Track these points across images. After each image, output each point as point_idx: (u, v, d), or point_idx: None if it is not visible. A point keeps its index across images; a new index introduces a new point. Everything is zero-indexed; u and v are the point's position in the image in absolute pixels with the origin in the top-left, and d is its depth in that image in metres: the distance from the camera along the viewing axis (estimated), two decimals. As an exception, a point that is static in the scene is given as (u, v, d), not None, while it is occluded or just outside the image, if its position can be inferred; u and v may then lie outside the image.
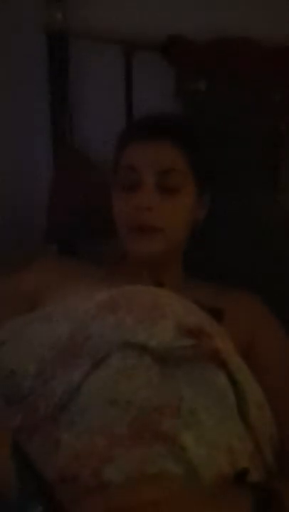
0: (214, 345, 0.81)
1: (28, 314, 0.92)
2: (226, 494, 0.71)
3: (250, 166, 1.24)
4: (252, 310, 1.02)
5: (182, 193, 1.04)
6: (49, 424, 0.74)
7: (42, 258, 1.13)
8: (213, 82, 1.28)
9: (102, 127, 1.35)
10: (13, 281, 1.05)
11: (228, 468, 0.73)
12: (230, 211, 1.19)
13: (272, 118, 1.27)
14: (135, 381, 0.76)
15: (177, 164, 1.03)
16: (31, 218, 1.40)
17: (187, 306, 0.88)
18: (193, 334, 0.81)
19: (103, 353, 0.78)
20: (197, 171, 1.06)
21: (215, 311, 0.91)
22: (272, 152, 1.28)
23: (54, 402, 0.75)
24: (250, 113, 1.26)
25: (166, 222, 1.01)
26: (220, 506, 0.69)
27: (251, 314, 1.01)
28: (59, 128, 1.35)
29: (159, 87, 1.30)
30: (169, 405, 0.74)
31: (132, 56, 1.31)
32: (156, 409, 0.73)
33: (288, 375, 0.93)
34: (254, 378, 0.85)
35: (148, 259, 1.03)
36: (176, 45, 1.28)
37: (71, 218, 1.29)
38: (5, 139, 1.41)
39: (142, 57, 1.31)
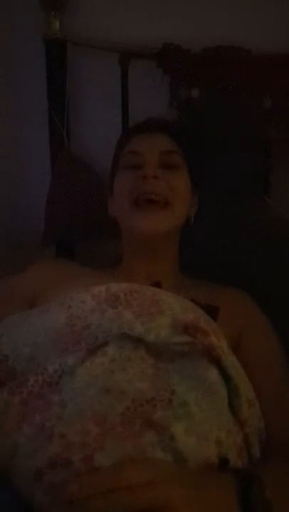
0: (209, 342, 0.82)
1: (25, 312, 0.93)
2: (212, 479, 0.73)
3: (241, 171, 1.26)
4: (242, 307, 1.04)
5: (182, 171, 1.11)
6: (40, 405, 0.74)
7: (40, 260, 1.15)
8: (206, 89, 1.31)
9: (99, 133, 1.37)
10: (12, 283, 1.07)
11: (215, 459, 0.75)
12: (222, 216, 1.22)
13: (263, 125, 1.30)
14: (130, 372, 0.77)
15: (175, 149, 1.12)
16: (29, 222, 1.42)
17: (184, 303, 0.89)
18: (189, 331, 0.82)
19: (100, 341, 0.79)
20: (189, 164, 1.13)
21: (210, 308, 0.93)
22: (262, 158, 1.30)
23: (43, 378, 0.76)
24: (242, 120, 1.29)
25: (171, 192, 1.07)
26: (208, 486, 0.71)
27: (241, 312, 1.03)
28: (56, 133, 1.36)
29: (154, 94, 1.32)
30: (161, 398, 0.75)
31: (128, 64, 1.34)
32: (149, 401, 0.75)
33: (276, 372, 0.95)
34: (245, 375, 0.86)
35: (150, 240, 1.06)
36: (171, 54, 1.31)
37: (68, 222, 1.31)
38: (3, 144, 1.43)
39: (137, 65, 1.34)
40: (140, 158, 1.09)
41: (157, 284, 1.00)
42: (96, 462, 0.69)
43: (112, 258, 1.17)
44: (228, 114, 1.29)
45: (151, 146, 1.10)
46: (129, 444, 0.71)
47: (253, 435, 0.82)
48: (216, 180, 1.22)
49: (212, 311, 0.93)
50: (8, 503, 0.69)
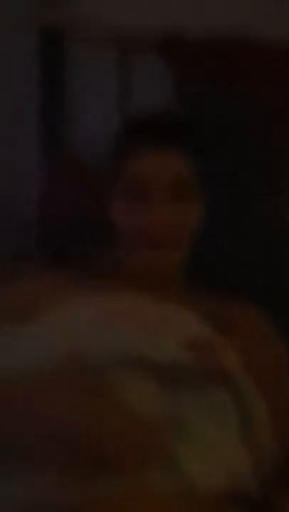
0: (217, 360, 0.81)
1: (20, 327, 0.90)
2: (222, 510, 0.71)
3: (250, 171, 1.23)
4: (252, 321, 1.00)
5: (193, 200, 1.03)
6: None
7: (31, 269, 1.11)
8: (213, 84, 1.27)
9: (98, 132, 1.33)
10: (2, 293, 1.03)
11: (225, 484, 0.73)
12: (230, 220, 1.18)
13: (272, 122, 1.26)
14: (136, 393, 0.76)
15: (187, 173, 1.01)
16: (21, 227, 1.38)
17: (190, 319, 0.88)
18: (195, 348, 0.81)
19: (104, 365, 0.77)
20: (199, 176, 1.05)
21: (218, 323, 0.91)
22: (272, 157, 1.27)
23: None
24: (251, 117, 1.25)
25: (179, 232, 1.00)
26: None
27: (251, 326, 0.99)
28: (52, 133, 1.35)
29: (157, 88, 1.31)
30: (165, 423, 0.74)
31: (128, 58, 1.30)
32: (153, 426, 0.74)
33: (287, 390, 0.93)
34: (256, 393, 0.84)
35: (157, 271, 1.01)
36: (175, 46, 1.28)
37: (62, 227, 1.28)
38: None
39: (139, 59, 1.30)
40: (146, 187, 0.99)
41: (161, 297, 0.96)
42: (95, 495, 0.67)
43: (109, 267, 1.12)
44: (235, 111, 1.25)
45: (160, 174, 0.99)
46: (132, 454, 0.71)
47: (264, 456, 0.81)
48: (226, 182, 1.17)
49: (220, 325, 0.91)
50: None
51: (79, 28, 1.31)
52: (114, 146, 1.07)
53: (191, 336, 0.83)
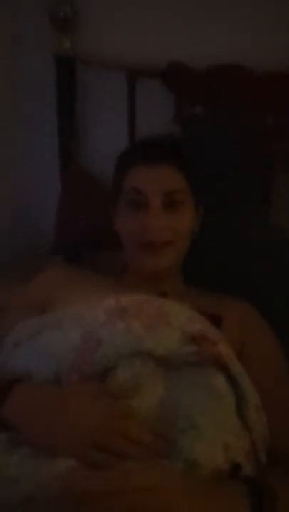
0: (217, 350, 0.84)
1: (38, 318, 0.96)
2: (222, 485, 0.75)
3: (244, 186, 1.28)
4: (244, 317, 1.05)
5: (185, 208, 1.09)
6: None
7: (50, 266, 1.16)
8: (210, 106, 1.33)
9: (107, 148, 1.37)
10: (23, 289, 1.09)
11: (224, 464, 0.77)
12: (225, 229, 1.23)
13: (266, 141, 1.32)
14: (142, 390, 0.80)
15: (179, 184, 1.08)
16: (38, 234, 1.45)
17: (190, 314, 0.91)
18: (196, 341, 0.84)
19: (113, 362, 0.82)
20: (193, 187, 1.11)
21: (214, 317, 0.95)
22: (266, 173, 1.32)
23: None
24: (245, 136, 1.30)
25: (174, 235, 1.06)
26: (216, 495, 0.73)
27: (243, 321, 1.03)
28: (66, 148, 1.40)
29: (160, 111, 1.35)
30: (167, 416, 0.78)
31: (134, 82, 1.37)
32: (157, 419, 0.78)
33: (278, 381, 0.96)
34: (250, 382, 0.88)
35: (156, 272, 1.07)
36: (176, 72, 1.34)
37: (77, 234, 1.33)
38: (14, 159, 1.47)
39: (144, 83, 1.36)
40: (143, 198, 1.05)
41: (163, 294, 1.02)
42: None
43: (117, 270, 1.19)
44: (231, 131, 1.31)
45: (155, 185, 1.05)
46: (141, 453, 0.75)
47: (260, 441, 0.84)
48: (219, 194, 1.23)
49: (215, 321, 0.95)
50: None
51: (92, 55, 1.38)
52: (117, 163, 1.15)
53: (191, 329, 0.85)
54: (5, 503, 0.71)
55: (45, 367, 0.84)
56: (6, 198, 1.50)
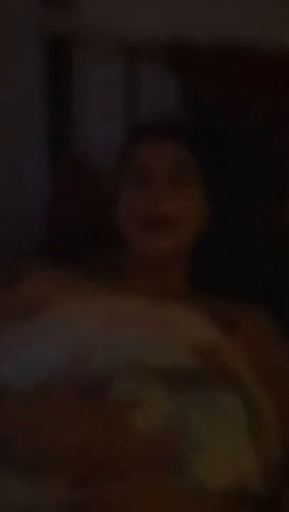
0: (225, 364, 0.81)
1: (27, 326, 0.91)
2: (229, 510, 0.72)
3: (257, 176, 1.25)
4: (256, 322, 1.02)
5: (192, 187, 1.08)
6: None
7: (39, 268, 1.12)
8: (219, 91, 1.31)
9: (103, 136, 1.36)
10: (11, 291, 1.04)
11: (234, 483, 0.74)
12: (236, 223, 1.20)
13: (278, 128, 1.28)
14: (144, 404, 0.76)
15: (185, 161, 1.07)
16: (29, 229, 1.39)
17: (196, 321, 0.89)
18: (203, 354, 0.81)
19: (108, 373, 0.77)
20: (202, 173, 1.09)
21: (226, 324, 0.92)
22: (279, 162, 1.29)
23: None
24: (258, 123, 1.28)
25: (179, 213, 1.04)
26: None
27: (255, 326, 1.01)
28: (60, 137, 1.36)
29: (162, 94, 1.32)
30: (174, 429, 0.74)
31: (135, 65, 1.33)
32: (162, 433, 0.74)
33: None
34: (264, 395, 0.84)
35: (157, 257, 1.05)
36: (181, 54, 1.31)
37: (70, 229, 1.29)
38: (4, 149, 1.41)
39: (145, 66, 1.33)
40: (148, 175, 1.06)
41: (166, 298, 0.96)
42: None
43: (114, 269, 1.14)
44: (242, 118, 1.28)
45: (160, 160, 1.06)
46: (139, 468, 0.71)
47: (273, 458, 0.81)
48: (230, 185, 1.19)
49: (228, 328, 0.91)
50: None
51: (87, 35, 1.34)
52: (123, 142, 1.15)
53: (198, 340, 0.83)
54: None
55: (33, 379, 0.79)
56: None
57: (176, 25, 1.31)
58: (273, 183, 1.28)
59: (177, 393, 0.77)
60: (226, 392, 0.80)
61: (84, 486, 0.69)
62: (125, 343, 0.81)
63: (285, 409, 0.86)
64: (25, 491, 0.69)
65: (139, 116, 1.33)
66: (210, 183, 1.11)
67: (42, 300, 0.98)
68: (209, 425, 0.76)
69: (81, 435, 0.74)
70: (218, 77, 1.30)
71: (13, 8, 1.35)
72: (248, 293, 1.08)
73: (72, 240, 1.29)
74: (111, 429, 0.74)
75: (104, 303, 0.91)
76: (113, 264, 1.14)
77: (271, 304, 1.07)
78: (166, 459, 0.72)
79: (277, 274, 1.17)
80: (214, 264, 1.16)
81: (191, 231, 1.08)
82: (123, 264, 1.12)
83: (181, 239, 1.07)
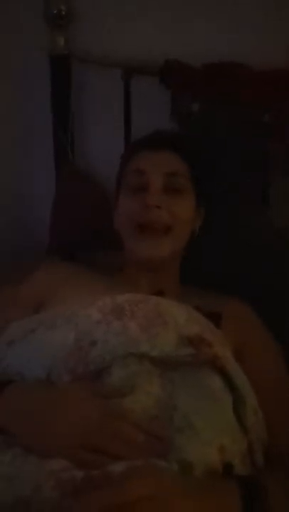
0: (214, 353, 0.83)
1: (33, 317, 0.95)
2: (216, 487, 0.74)
3: (241, 183, 1.28)
4: (244, 317, 1.05)
5: (186, 195, 1.09)
6: None
7: (45, 264, 1.15)
8: (207, 104, 1.33)
9: (102, 147, 1.40)
10: (17, 287, 1.08)
11: (218, 465, 0.76)
12: (223, 226, 1.23)
13: (262, 138, 1.31)
14: (137, 390, 0.79)
15: (181, 170, 1.10)
16: (33, 234, 1.44)
17: (188, 313, 0.90)
18: (193, 343, 0.83)
19: (107, 363, 0.81)
20: (195, 183, 1.12)
21: (214, 315, 0.94)
22: (263, 170, 1.32)
23: None
24: (242, 134, 1.30)
25: (173, 220, 1.06)
26: (210, 496, 0.72)
27: (243, 321, 1.03)
28: (61, 148, 1.39)
29: (156, 108, 1.34)
30: (163, 416, 0.77)
31: (130, 79, 1.36)
32: (152, 419, 0.77)
33: (277, 382, 0.96)
34: (249, 383, 0.87)
35: (151, 263, 1.06)
36: (173, 70, 1.33)
37: (72, 234, 1.32)
38: (8, 157, 1.46)
39: (140, 81, 1.36)
40: (144, 179, 1.07)
41: (160, 293, 1.00)
42: (109, 468, 0.70)
43: (113, 269, 1.18)
44: (228, 128, 1.30)
45: (156, 166, 1.08)
46: (134, 454, 0.73)
47: (257, 443, 0.83)
48: (216, 193, 1.22)
49: (215, 319, 0.94)
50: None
51: (87, 53, 1.37)
52: (122, 156, 1.17)
53: (188, 330, 0.84)
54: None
55: (38, 367, 0.83)
56: (1, 198, 1.49)
57: (169, 44, 1.35)
58: (258, 190, 1.31)
59: (168, 379, 0.81)
60: (213, 378, 0.82)
61: (83, 468, 0.70)
62: (121, 335, 0.83)
63: (267, 396, 0.88)
64: (30, 467, 0.72)
65: (136, 127, 1.36)
66: (203, 190, 1.14)
67: (47, 296, 1.02)
68: (198, 407, 0.78)
69: (81, 424, 0.76)
70: (207, 92, 1.32)
71: (20, 26, 1.41)
72: (234, 290, 1.11)
73: (75, 242, 1.33)
74: (108, 417, 0.76)
75: (105, 298, 0.90)
76: (113, 264, 1.18)
77: (257, 301, 1.08)
78: (155, 443, 0.74)
79: (262, 273, 1.19)
80: (203, 265, 1.19)
81: (184, 235, 1.09)
82: (122, 265, 1.15)
83: (176, 243, 1.07)
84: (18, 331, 0.91)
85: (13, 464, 0.73)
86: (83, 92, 1.42)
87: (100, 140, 1.43)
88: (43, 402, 0.79)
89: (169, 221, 1.05)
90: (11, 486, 0.70)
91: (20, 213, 1.49)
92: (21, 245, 1.45)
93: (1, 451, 0.75)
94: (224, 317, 0.97)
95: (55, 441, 0.75)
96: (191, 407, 0.79)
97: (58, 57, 1.38)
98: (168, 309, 0.89)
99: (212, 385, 0.82)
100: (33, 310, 1.00)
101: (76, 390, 0.79)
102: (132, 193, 1.08)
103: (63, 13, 1.35)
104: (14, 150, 1.49)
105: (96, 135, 1.44)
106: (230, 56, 1.31)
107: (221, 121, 1.31)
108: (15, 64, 1.44)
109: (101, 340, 0.83)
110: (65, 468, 0.70)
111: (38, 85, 1.42)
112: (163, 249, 1.05)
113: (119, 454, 0.72)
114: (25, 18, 1.41)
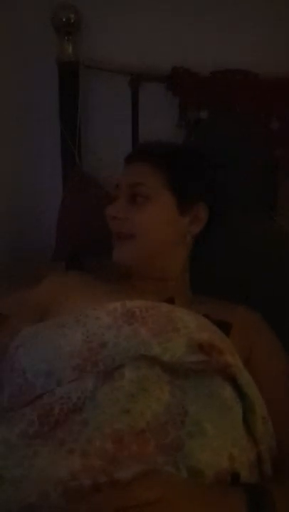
0: (224, 360, 0.83)
1: (40, 323, 0.95)
2: (223, 493, 0.74)
3: (250, 189, 1.28)
4: (252, 325, 1.05)
5: (154, 202, 1.10)
6: (63, 428, 0.76)
7: (53, 273, 1.17)
8: (215, 111, 1.34)
9: (110, 152, 1.40)
10: (25, 295, 1.09)
11: (227, 474, 0.76)
12: (232, 233, 1.23)
13: (270, 145, 1.33)
14: (148, 394, 0.79)
15: (146, 179, 1.11)
16: (41, 237, 1.44)
17: (199, 320, 0.90)
18: (204, 350, 0.83)
19: (118, 363, 0.80)
20: (176, 188, 1.11)
21: (223, 324, 0.94)
22: (270, 177, 1.32)
23: (68, 406, 0.78)
24: (249, 140, 1.30)
25: (135, 229, 1.09)
26: (217, 503, 0.72)
27: (252, 329, 1.03)
28: (68, 153, 1.40)
29: (164, 115, 1.36)
30: (174, 421, 0.77)
31: (138, 86, 1.37)
32: (162, 425, 0.76)
33: (285, 390, 0.96)
34: (258, 392, 0.87)
35: (124, 266, 1.11)
36: (180, 77, 1.35)
37: (79, 238, 1.33)
38: (16, 163, 1.47)
39: (148, 88, 1.38)
40: (118, 191, 1.13)
41: (170, 300, 1.00)
42: (115, 475, 0.70)
43: (120, 275, 1.18)
44: (235, 135, 1.31)
45: (124, 178, 1.13)
46: (143, 461, 0.73)
47: (266, 452, 0.83)
48: (225, 199, 1.21)
49: (225, 327, 0.94)
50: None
51: (95, 60, 1.38)
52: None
53: (200, 338, 0.84)
54: (4, 510, 0.69)
55: (40, 361, 0.83)
56: (8, 203, 1.50)
57: (176, 51, 1.36)
58: (265, 197, 1.31)
59: (178, 387, 0.80)
60: (223, 386, 0.82)
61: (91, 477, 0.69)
62: (133, 338, 0.83)
63: (273, 406, 0.87)
64: (37, 472, 0.71)
65: (143, 134, 1.37)
66: (184, 194, 1.12)
67: (55, 303, 1.03)
68: (206, 416, 0.78)
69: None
70: (214, 99, 1.34)
71: (29, 34, 1.42)
72: (241, 295, 1.11)
73: (82, 248, 1.34)
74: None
75: (115, 303, 0.90)
76: (120, 270, 1.18)
77: (264, 306, 1.09)
78: (165, 448, 0.74)
79: (269, 278, 1.19)
80: (209, 271, 1.18)
81: (155, 240, 1.10)
82: (128, 269, 1.15)
83: (144, 248, 1.09)
84: (27, 335, 0.91)
85: (19, 468, 0.72)
86: (91, 99, 1.43)
87: (107, 146, 1.43)
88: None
89: (128, 230, 1.09)
90: (18, 491, 0.70)
91: (27, 218, 1.50)
92: (28, 249, 1.45)
93: (7, 455, 0.75)
94: (234, 326, 0.97)
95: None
96: (202, 413, 0.79)
97: (66, 64, 1.39)
98: (179, 316, 0.89)
99: (223, 394, 0.82)
100: (39, 318, 1.01)
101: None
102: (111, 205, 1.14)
103: (72, 20, 1.36)
104: (22, 155, 1.50)
105: (103, 141, 1.44)
106: (237, 64, 1.32)
107: (228, 128, 1.32)
108: (24, 71, 1.44)
109: (112, 342, 0.83)
110: (73, 477, 0.70)
111: (47, 92, 1.42)
112: (127, 255, 1.10)
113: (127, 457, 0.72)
114: (34, 25, 1.41)
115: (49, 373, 0.82)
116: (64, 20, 1.36)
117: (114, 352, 0.82)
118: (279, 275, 1.20)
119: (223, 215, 1.20)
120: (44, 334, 0.89)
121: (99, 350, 0.82)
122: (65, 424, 0.76)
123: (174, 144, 1.21)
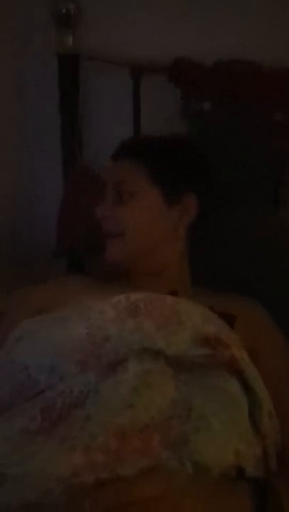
0: (230, 354, 0.83)
1: (42, 316, 0.94)
2: (227, 489, 0.74)
3: (253, 182, 1.28)
4: (257, 317, 1.05)
5: (140, 199, 1.10)
6: (66, 423, 0.75)
7: (54, 277, 1.17)
8: (218, 102, 1.33)
9: (111, 146, 1.32)
10: (27, 294, 1.08)
11: (233, 469, 0.76)
12: (234, 226, 1.23)
13: (274, 137, 1.31)
14: (153, 389, 0.78)
15: (130, 177, 1.11)
16: (41, 233, 1.44)
17: (204, 313, 0.90)
18: (210, 343, 0.82)
19: (121, 356, 0.79)
20: (159, 180, 1.10)
21: (227, 316, 0.93)
22: (274, 170, 1.31)
23: (71, 400, 0.76)
24: (252, 132, 1.30)
25: (123, 226, 1.10)
26: (222, 498, 0.72)
27: (256, 321, 1.04)
28: (68, 146, 1.40)
29: (166, 107, 1.35)
30: (178, 415, 0.76)
31: (140, 78, 1.37)
32: (167, 420, 0.75)
33: (286, 385, 0.95)
34: (264, 386, 0.86)
35: (117, 265, 1.11)
36: (183, 68, 1.34)
37: (80, 233, 1.32)
38: (16, 158, 1.47)
39: (149, 79, 1.36)
40: (105, 191, 1.13)
41: (173, 293, 0.99)
42: (118, 471, 0.70)
43: (118, 271, 1.16)
44: (238, 127, 1.31)
45: (109, 177, 1.14)
46: (147, 457, 0.72)
47: (272, 447, 0.83)
48: (227, 193, 1.21)
49: (229, 320, 0.93)
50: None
51: (96, 52, 1.38)
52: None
53: (204, 330, 0.84)
54: (5, 508, 0.68)
55: (42, 355, 0.82)
56: (7, 197, 1.50)
57: (179, 41, 1.35)
58: (269, 189, 1.31)
59: (183, 382, 0.79)
60: (229, 381, 0.81)
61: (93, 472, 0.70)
62: (137, 332, 0.82)
63: (277, 400, 0.86)
64: (39, 471, 0.70)
65: (145, 126, 1.37)
66: (171, 187, 1.12)
67: (55, 304, 1.00)
68: (212, 410, 0.77)
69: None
70: (217, 90, 1.32)
71: (28, 26, 1.42)
72: (245, 290, 1.11)
73: (82, 243, 1.33)
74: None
75: (119, 296, 0.90)
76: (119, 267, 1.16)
77: (268, 301, 1.09)
78: (170, 443, 0.73)
79: (272, 272, 1.19)
80: (212, 265, 1.18)
81: (136, 238, 1.10)
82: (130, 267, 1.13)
83: (128, 245, 1.10)
84: (28, 327, 0.90)
85: (21, 466, 0.71)
86: (92, 91, 1.43)
87: (108, 139, 1.35)
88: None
89: (117, 228, 1.10)
90: (20, 488, 0.69)
91: (27, 213, 1.49)
92: (28, 248, 1.45)
93: (9, 452, 0.74)
94: (238, 318, 0.96)
95: None
96: (208, 408, 0.78)
97: (66, 56, 1.38)
98: (184, 308, 0.88)
99: (229, 388, 0.81)
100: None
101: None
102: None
103: (72, 12, 1.35)
104: (22, 149, 1.49)
105: (105, 134, 1.43)
106: (240, 54, 1.31)
107: (231, 120, 1.31)
108: (23, 63, 1.45)
109: (115, 336, 0.82)
110: (76, 474, 0.69)
111: (47, 84, 1.42)
112: (118, 253, 1.10)
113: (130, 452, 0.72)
114: (34, 17, 1.41)
115: (53, 368, 0.80)
116: (64, 11, 1.35)
117: (117, 345, 0.80)
118: (282, 269, 1.20)
119: (218, 206, 1.17)
120: (47, 327, 0.88)
121: (102, 344, 0.81)
122: (68, 419, 0.75)
123: (156, 137, 1.19)
